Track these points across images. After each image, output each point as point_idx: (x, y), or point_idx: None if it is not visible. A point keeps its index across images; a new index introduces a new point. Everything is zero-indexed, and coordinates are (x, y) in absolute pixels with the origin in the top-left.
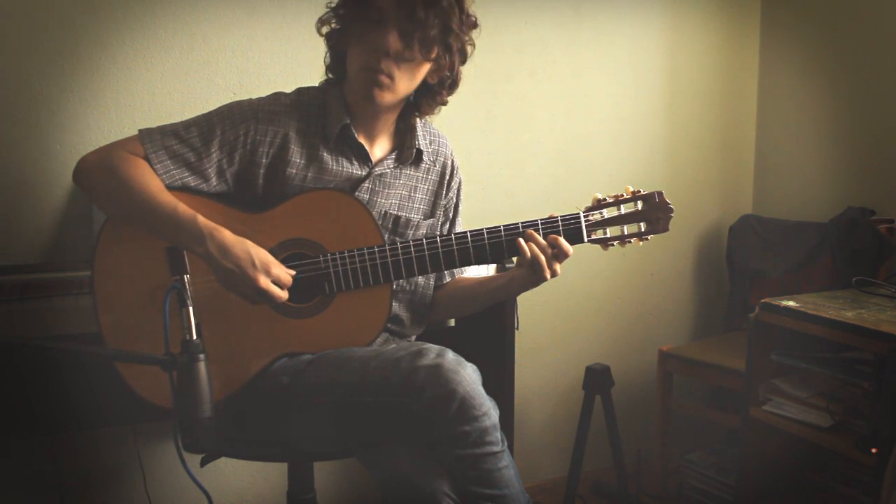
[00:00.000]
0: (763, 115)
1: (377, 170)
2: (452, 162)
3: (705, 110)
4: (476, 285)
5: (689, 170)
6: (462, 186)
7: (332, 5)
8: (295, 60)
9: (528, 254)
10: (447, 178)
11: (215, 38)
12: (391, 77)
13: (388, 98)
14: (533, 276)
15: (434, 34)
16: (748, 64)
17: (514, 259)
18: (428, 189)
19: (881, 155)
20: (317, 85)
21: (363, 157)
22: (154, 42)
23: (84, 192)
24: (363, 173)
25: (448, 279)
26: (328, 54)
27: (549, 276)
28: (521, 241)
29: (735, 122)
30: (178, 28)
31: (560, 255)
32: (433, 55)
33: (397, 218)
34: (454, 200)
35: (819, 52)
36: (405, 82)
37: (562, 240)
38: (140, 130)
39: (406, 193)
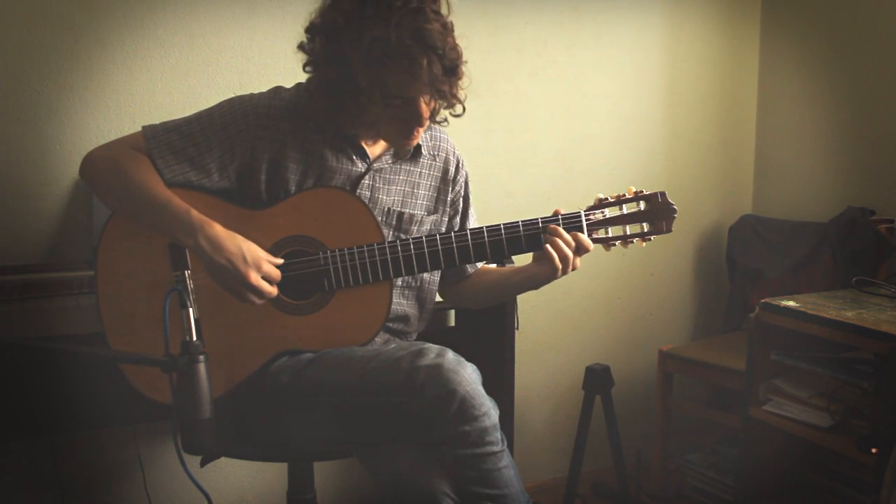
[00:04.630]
0: (763, 115)
1: (375, 165)
2: (457, 156)
3: (705, 110)
4: (500, 279)
5: (689, 170)
6: (469, 179)
7: (351, 68)
8: (295, 60)
9: (554, 251)
10: (451, 172)
11: (215, 37)
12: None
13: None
14: (554, 270)
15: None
16: (748, 64)
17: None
18: (430, 185)
19: (881, 155)
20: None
21: (361, 154)
22: (154, 42)
23: (88, 185)
24: (362, 169)
25: (471, 271)
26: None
27: (570, 269)
28: (550, 236)
29: (735, 122)
30: (178, 28)
31: (581, 250)
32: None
33: (401, 214)
34: (462, 193)
35: (819, 52)
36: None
37: (582, 235)
38: (144, 127)
39: (408, 189)
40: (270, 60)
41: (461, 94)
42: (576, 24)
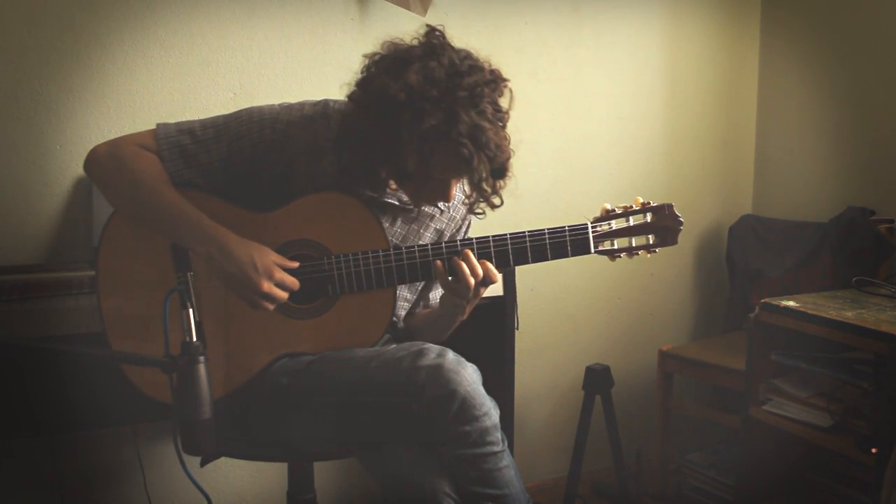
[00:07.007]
0: (763, 115)
1: (388, 198)
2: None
3: (705, 110)
4: (426, 316)
5: (689, 170)
6: (471, 225)
7: (424, 132)
8: (295, 60)
9: (466, 273)
10: (458, 219)
11: (215, 37)
12: None
13: None
14: (458, 297)
15: None
16: (748, 64)
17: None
18: (436, 228)
19: (881, 155)
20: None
21: (376, 185)
22: (154, 42)
23: (93, 182)
24: (374, 195)
25: (431, 302)
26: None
27: (471, 297)
28: (457, 259)
29: (735, 122)
30: (178, 27)
31: (487, 281)
32: None
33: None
34: (458, 237)
35: (819, 52)
36: None
37: (490, 265)
38: (158, 125)
39: (415, 228)
40: (270, 60)
41: (502, 190)
42: (576, 24)
